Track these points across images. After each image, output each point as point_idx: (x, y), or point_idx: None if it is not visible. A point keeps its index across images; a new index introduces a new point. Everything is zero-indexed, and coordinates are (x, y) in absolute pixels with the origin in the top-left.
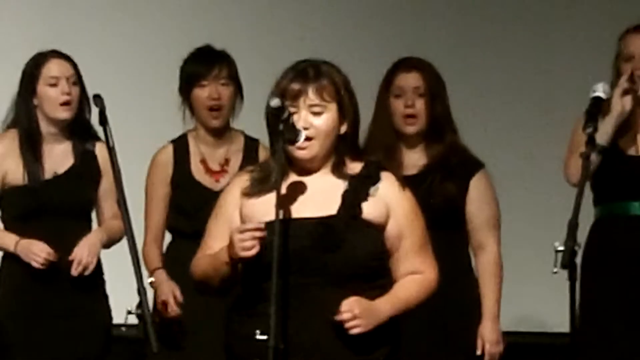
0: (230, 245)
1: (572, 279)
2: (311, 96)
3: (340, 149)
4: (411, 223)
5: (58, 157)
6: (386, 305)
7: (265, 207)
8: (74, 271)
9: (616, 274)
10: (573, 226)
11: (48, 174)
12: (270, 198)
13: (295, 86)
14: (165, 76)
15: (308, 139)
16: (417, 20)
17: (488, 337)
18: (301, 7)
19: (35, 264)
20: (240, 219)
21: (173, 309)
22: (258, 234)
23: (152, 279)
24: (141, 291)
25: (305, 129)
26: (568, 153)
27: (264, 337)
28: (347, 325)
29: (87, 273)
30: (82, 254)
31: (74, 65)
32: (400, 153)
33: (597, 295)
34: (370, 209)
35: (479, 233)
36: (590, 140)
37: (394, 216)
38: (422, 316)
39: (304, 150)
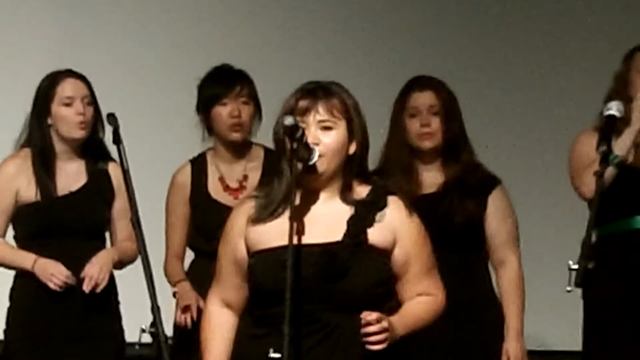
0: None
1: (586, 297)
2: (321, 111)
3: (348, 170)
4: (419, 249)
5: (71, 175)
6: (399, 324)
7: (271, 234)
8: (86, 287)
9: (622, 290)
10: (587, 245)
11: (61, 192)
12: (276, 225)
13: (305, 103)
14: (180, 95)
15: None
16: (426, 43)
17: (513, 353)
18: (314, 30)
19: (52, 286)
20: (246, 247)
21: (194, 314)
22: None
23: (175, 289)
24: (155, 310)
25: (315, 144)
26: (579, 169)
27: (278, 355)
28: (376, 338)
29: (98, 291)
30: (94, 271)
31: (89, 85)
32: (417, 171)
33: (604, 311)
34: (376, 235)
35: (499, 250)
36: (604, 159)
37: (401, 242)
38: (444, 338)
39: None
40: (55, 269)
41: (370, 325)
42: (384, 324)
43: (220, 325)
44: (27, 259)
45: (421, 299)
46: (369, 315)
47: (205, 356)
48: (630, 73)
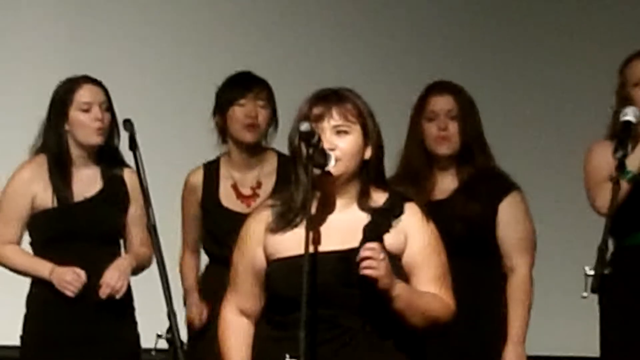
0: None
1: (602, 303)
2: (335, 116)
3: (365, 176)
4: (428, 256)
5: (86, 181)
6: (404, 292)
7: (289, 243)
8: (102, 294)
9: (638, 296)
10: (603, 251)
11: (77, 198)
12: (294, 233)
13: (318, 109)
14: (195, 102)
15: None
16: (441, 48)
17: None
18: (329, 36)
19: (69, 293)
20: (264, 256)
21: (195, 327)
22: None
23: (186, 297)
24: (171, 315)
25: (331, 149)
26: (594, 183)
27: None
28: (367, 263)
29: (117, 297)
30: (112, 278)
31: (106, 91)
32: (432, 177)
33: (620, 317)
34: (391, 241)
35: (509, 256)
36: (621, 165)
37: (409, 246)
38: (447, 342)
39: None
40: (71, 276)
41: (368, 251)
42: (381, 255)
43: (239, 333)
44: (44, 268)
45: (434, 293)
46: (369, 244)
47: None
48: (626, 89)
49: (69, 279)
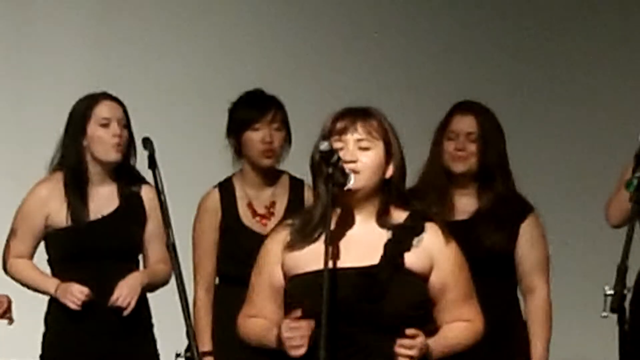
0: (279, 339)
1: (621, 323)
2: (360, 131)
3: (386, 194)
4: (455, 276)
5: (103, 199)
6: (437, 346)
7: (308, 259)
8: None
9: None
10: (622, 270)
11: (93, 216)
12: (313, 249)
13: (343, 123)
14: (214, 119)
15: (354, 172)
16: (470, 68)
17: None
18: (349, 54)
19: (71, 305)
20: (282, 273)
21: None
22: (307, 332)
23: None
24: (190, 334)
25: (353, 162)
26: (613, 193)
27: None
28: (404, 351)
29: (125, 313)
30: (120, 294)
31: (124, 108)
32: (451, 196)
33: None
34: (413, 259)
35: (528, 276)
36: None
37: (437, 269)
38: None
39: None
40: (75, 288)
41: (405, 340)
42: (419, 339)
43: (260, 320)
44: (51, 284)
45: (460, 323)
46: (407, 330)
47: (260, 339)
48: None
49: (73, 290)
